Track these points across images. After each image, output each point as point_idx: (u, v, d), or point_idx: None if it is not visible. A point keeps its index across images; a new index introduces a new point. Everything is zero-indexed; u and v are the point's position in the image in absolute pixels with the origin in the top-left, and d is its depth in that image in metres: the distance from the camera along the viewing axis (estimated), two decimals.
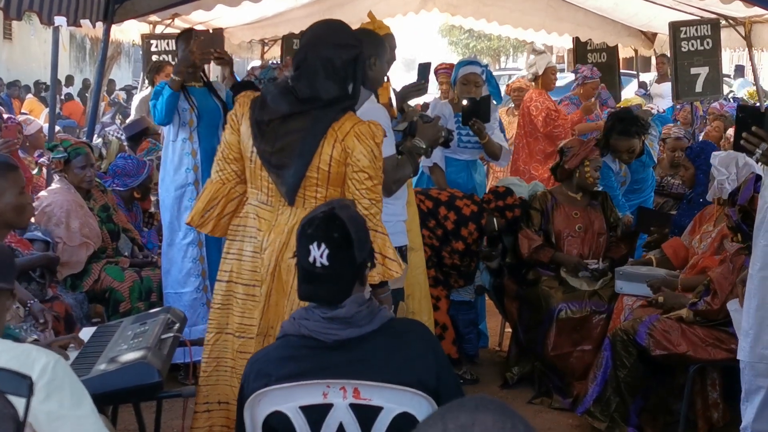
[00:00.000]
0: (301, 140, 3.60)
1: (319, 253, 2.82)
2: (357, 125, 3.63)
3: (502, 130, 7.14)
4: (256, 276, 3.68)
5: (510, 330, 6.36)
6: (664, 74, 13.10)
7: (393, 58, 4.82)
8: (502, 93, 9.55)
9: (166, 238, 6.10)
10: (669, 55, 12.42)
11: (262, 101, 3.69)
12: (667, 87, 12.56)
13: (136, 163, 6.50)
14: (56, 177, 6.03)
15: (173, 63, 9.76)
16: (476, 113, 6.25)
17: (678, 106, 11.15)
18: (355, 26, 4.67)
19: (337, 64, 3.65)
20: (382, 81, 4.73)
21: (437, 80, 10.26)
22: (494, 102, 6.66)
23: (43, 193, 5.81)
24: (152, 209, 7.07)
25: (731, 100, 12.74)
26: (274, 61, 5.60)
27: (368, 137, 3.62)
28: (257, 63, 11.40)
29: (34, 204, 5.46)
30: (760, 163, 4.30)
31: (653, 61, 14.13)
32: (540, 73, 8.75)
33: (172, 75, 5.91)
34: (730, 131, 8.98)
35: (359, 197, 3.60)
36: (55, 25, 6.73)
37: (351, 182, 3.62)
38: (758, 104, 11.10)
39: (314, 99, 3.63)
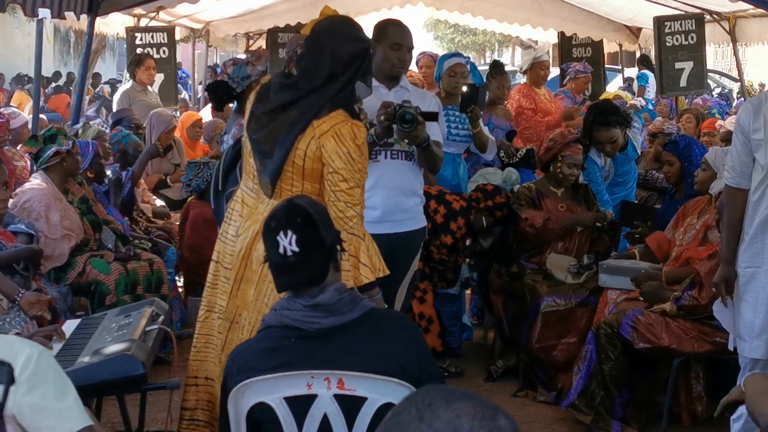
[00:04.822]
0: (284, 132, 3.62)
1: (287, 241, 2.82)
2: (339, 125, 3.59)
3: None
4: (233, 260, 3.74)
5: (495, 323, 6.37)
6: None
7: None
8: None
9: None
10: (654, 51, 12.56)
11: (265, 93, 3.74)
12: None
13: (80, 144, 6.34)
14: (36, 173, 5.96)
15: (155, 56, 9.79)
16: (474, 100, 6.22)
17: (654, 101, 11.20)
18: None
19: (343, 55, 3.67)
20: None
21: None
22: None
23: (20, 189, 5.74)
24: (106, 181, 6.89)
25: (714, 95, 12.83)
26: (245, 56, 5.45)
27: (347, 138, 3.58)
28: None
29: (12, 200, 5.47)
30: None
31: (638, 56, 14.18)
32: (525, 68, 8.70)
33: None
34: (721, 122, 9.07)
35: (334, 200, 3.59)
36: (39, 17, 6.70)
37: (327, 183, 3.62)
38: (743, 99, 11.17)
39: (307, 84, 3.66)
